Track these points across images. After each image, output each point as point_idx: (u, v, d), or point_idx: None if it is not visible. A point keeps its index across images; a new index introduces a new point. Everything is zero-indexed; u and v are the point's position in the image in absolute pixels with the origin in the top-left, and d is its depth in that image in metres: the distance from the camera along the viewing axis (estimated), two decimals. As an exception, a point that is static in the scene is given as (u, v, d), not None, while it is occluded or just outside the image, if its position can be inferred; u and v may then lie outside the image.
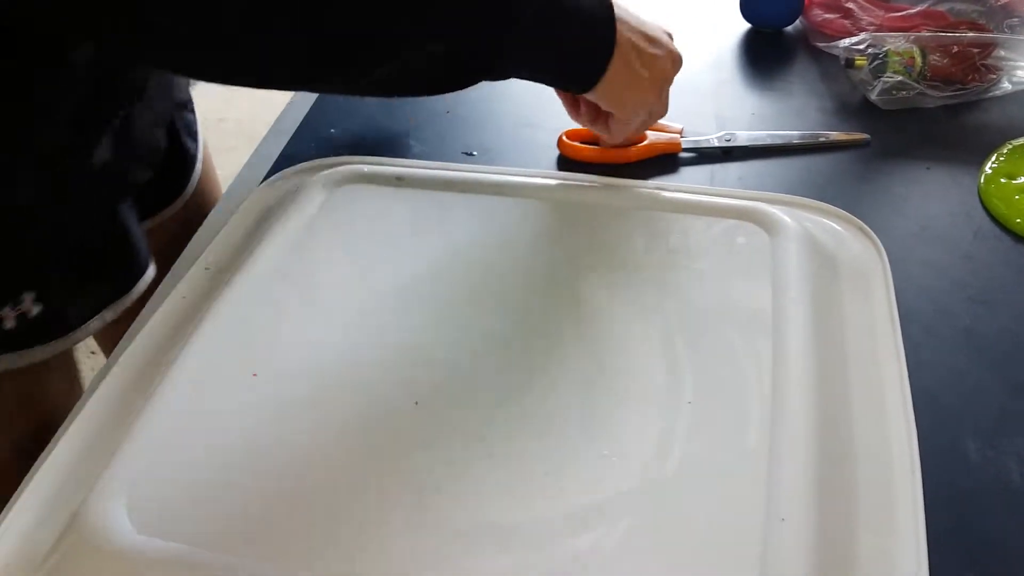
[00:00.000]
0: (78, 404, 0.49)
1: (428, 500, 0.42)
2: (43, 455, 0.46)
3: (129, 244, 0.64)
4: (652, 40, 0.58)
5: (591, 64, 0.55)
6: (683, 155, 0.68)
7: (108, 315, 0.63)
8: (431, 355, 0.50)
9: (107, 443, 0.45)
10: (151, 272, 0.66)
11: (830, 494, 0.42)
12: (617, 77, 0.56)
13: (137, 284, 0.64)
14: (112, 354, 0.52)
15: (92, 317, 0.62)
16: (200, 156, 0.78)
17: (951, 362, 0.52)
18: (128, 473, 0.43)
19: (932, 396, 0.49)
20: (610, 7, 0.54)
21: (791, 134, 0.70)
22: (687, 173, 0.67)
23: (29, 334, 0.58)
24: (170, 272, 0.58)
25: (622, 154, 0.67)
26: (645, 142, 0.68)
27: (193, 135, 0.78)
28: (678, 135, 0.69)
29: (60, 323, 0.60)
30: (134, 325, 0.54)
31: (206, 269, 0.57)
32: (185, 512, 0.42)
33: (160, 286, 0.57)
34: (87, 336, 0.62)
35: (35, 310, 0.56)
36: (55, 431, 0.49)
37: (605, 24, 0.54)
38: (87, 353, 1.71)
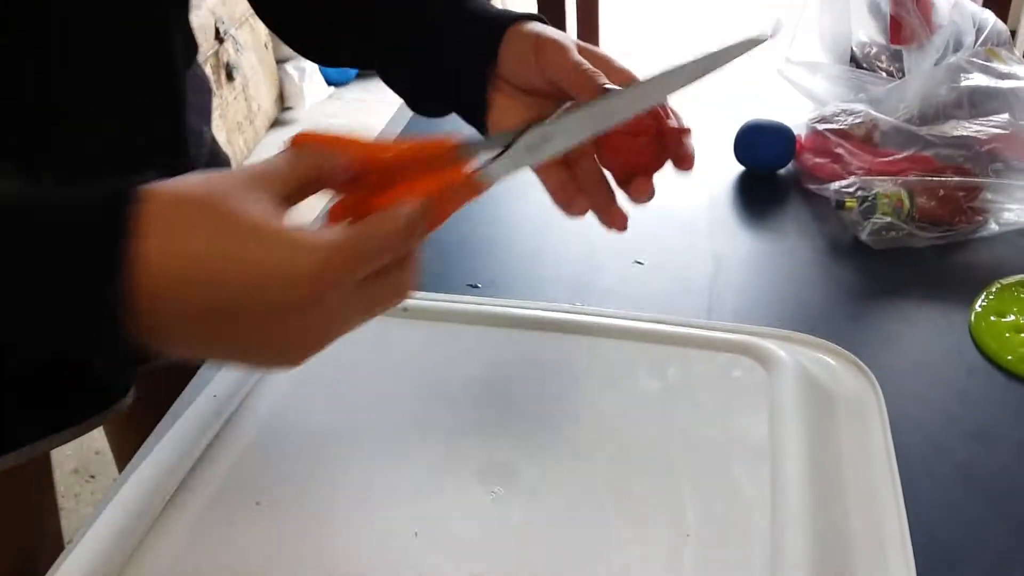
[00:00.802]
0: (85, 525, 0.49)
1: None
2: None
3: (96, 376, 0.63)
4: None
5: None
6: (675, 286, 0.70)
7: (66, 436, 0.63)
8: (435, 486, 0.51)
9: (113, 565, 0.46)
10: (127, 401, 0.65)
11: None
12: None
13: (103, 412, 0.64)
14: (120, 475, 0.53)
15: (42, 438, 0.62)
16: None
17: (948, 499, 0.52)
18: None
19: (930, 533, 0.49)
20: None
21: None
22: (685, 306, 0.69)
23: None
24: (178, 399, 0.59)
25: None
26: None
27: None
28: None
29: (4, 439, 0.60)
30: (142, 449, 0.54)
31: (214, 397, 0.58)
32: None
33: (167, 414, 0.58)
34: (39, 453, 0.62)
35: None
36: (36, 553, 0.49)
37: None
38: (85, 478, 1.70)
